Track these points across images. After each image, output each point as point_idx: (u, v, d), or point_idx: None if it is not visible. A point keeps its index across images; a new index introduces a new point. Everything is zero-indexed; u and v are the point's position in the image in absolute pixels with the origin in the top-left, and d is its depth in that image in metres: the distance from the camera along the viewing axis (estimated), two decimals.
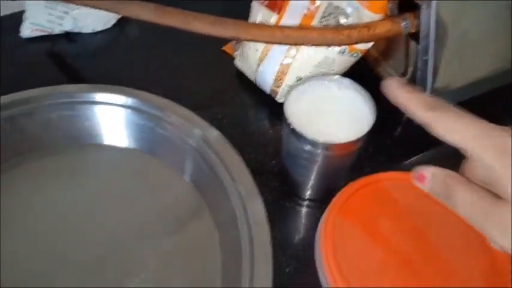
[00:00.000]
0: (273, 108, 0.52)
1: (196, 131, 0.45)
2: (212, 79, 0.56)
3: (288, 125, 0.36)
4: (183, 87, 0.54)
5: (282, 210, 0.44)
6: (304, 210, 0.44)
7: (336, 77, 0.39)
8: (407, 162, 0.48)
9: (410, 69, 0.44)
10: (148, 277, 0.39)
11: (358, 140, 0.35)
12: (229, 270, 0.39)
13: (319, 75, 0.41)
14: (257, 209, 0.39)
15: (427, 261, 0.33)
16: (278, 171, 0.47)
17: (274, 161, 0.48)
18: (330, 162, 0.38)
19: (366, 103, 0.37)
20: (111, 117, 0.48)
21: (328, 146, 0.35)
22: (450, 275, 0.32)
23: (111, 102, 0.47)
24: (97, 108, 0.48)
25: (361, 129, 0.36)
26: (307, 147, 0.36)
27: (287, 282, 0.39)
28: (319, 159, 0.37)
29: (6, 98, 0.47)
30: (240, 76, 0.55)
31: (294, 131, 0.36)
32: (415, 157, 0.48)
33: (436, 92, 0.41)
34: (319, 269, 0.36)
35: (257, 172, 0.45)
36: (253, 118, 0.53)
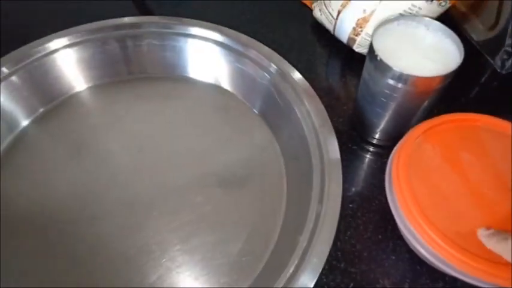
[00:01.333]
0: (347, 59, 0.53)
1: (272, 66, 0.46)
2: (290, 29, 0.57)
3: (375, 57, 0.36)
4: (262, 35, 0.56)
5: (349, 153, 0.45)
6: (371, 154, 0.45)
7: (426, 18, 0.39)
8: None
9: (501, 23, 0.43)
10: (217, 200, 0.42)
11: (442, 77, 0.35)
12: (295, 197, 0.41)
13: (408, 15, 0.41)
14: (331, 144, 0.40)
15: (500, 197, 0.32)
16: (348, 117, 0.47)
17: (345, 107, 0.48)
18: (409, 99, 0.38)
19: (454, 44, 0.37)
20: (200, 51, 0.51)
21: (411, 79, 0.35)
22: None
23: (201, 35, 0.50)
24: (189, 42, 0.51)
25: (447, 68, 0.36)
26: (391, 81, 0.37)
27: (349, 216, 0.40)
28: (399, 95, 0.37)
29: (117, 21, 0.51)
30: (318, 27, 0.56)
31: (380, 64, 0.36)
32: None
33: None
34: (390, 196, 0.36)
35: (329, 116, 0.46)
36: (327, 66, 0.54)
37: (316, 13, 0.55)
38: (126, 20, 0.50)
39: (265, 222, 0.40)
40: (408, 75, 0.35)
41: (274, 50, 0.50)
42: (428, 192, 0.33)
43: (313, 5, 0.56)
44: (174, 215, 0.41)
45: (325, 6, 0.52)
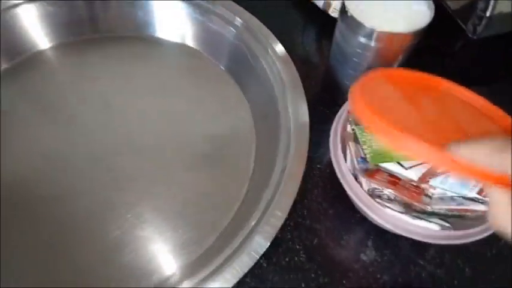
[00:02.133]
0: (323, 25, 0.52)
1: (237, 19, 0.46)
2: None
3: (346, 13, 0.36)
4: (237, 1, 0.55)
5: (320, 115, 0.45)
6: None
7: None
8: None
9: None
10: (187, 159, 0.41)
11: (412, 34, 0.35)
12: (263, 154, 0.41)
13: None
14: (301, 106, 0.40)
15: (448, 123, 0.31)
16: (321, 80, 0.47)
17: (318, 70, 0.48)
18: (380, 59, 0.38)
19: (425, 4, 0.37)
20: (165, 8, 0.49)
21: (382, 36, 0.35)
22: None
23: None
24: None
25: (417, 26, 0.35)
26: (362, 39, 0.36)
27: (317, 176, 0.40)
28: (371, 54, 0.37)
29: None
30: None
31: (351, 21, 0.36)
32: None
33: (497, 12, 0.40)
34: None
35: (301, 79, 0.46)
36: (302, 31, 0.53)
37: None
38: None
39: (234, 179, 0.40)
40: (379, 32, 0.35)
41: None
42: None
43: None
44: (142, 174, 0.40)
45: None
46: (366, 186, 0.34)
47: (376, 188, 0.33)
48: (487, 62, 0.49)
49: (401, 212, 0.32)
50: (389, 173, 0.34)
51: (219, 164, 0.41)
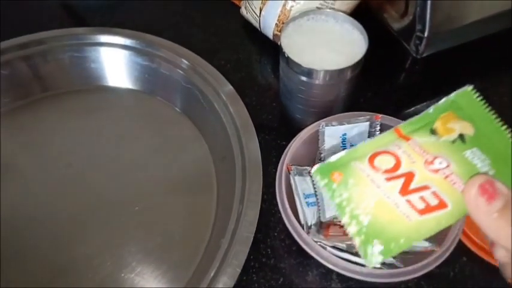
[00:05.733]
0: (276, 55, 0.52)
1: (184, 61, 0.46)
2: (219, 27, 0.57)
3: (284, 54, 0.37)
4: (193, 35, 0.56)
5: (279, 150, 0.45)
6: None
7: (334, 11, 0.39)
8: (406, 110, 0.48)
9: (411, 10, 0.44)
10: (150, 207, 0.42)
11: (350, 67, 0.36)
12: (222, 200, 0.41)
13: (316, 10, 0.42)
14: (253, 144, 0.40)
15: None
16: (278, 113, 0.48)
17: (274, 103, 0.49)
18: (324, 93, 0.39)
19: (361, 35, 0.38)
20: (112, 58, 0.50)
21: (321, 74, 0.36)
22: None
23: (111, 43, 0.49)
24: (102, 50, 0.50)
25: (354, 58, 0.36)
26: (302, 78, 0.37)
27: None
28: (314, 90, 0.38)
29: (22, 39, 0.49)
30: (246, 25, 0.56)
31: (289, 61, 0.37)
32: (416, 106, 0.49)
33: (434, 32, 0.41)
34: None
35: (257, 114, 0.46)
36: (257, 63, 0.54)
37: (243, 11, 0.55)
38: (30, 37, 0.49)
39: (197, 227, 0.40)
40: (317, 70, 0.36)
41: (203, 49, 0.50)
42: None
43: (240, 3, 0.56)
44: (107, 226, 0.40)
45: (249, 5, 0.52)
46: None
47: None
48: (433, 77, 0.50)
49: (345, 250, 0.32)
50: (341, 225, 0.34)
51: (183, 212, 0.41)
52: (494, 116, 0.23)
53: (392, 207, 0.21)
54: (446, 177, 0.21)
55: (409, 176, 0.22)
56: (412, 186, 0.22)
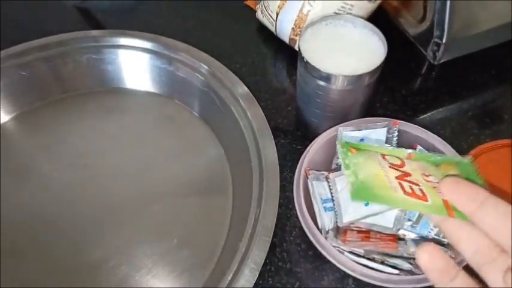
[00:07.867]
0: (292, 59, 0.53)
1: (202, 65, 0.47)
2: (234, 31, 0.58)
3: (302, 59, 0.37)
4: (208, 38, 0.56)
5: (294, 153, 0.45)
6: None
7: (352, 16, 0.39)
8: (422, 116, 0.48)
9: (429, 16, 0.44)
10: (166, 210, 0.42)
11: (368, 73, 0.36)
12: (238, 204, 0.41)
13: (335, 15, 0.42)
14: (270, 148, 0.41)
15: None
16: (293, 117, 0.48)
17: (290, 107, 0.49)
18: (342, 98, 0.39)
19: (380, 40, 0.38)
20: (131, 60, 0.50)
21: (339, 79, 0.36)
22: None
23: (130, 45, 0.50)
24: (120, 52, 0.50)
25: (373, 64, 0.36)
26: (320, 82, 0.37)
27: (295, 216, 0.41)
28: (331, 94, 0.38)
29: (41, 41, 0.50)
30: (262, 29, 0.56)
31: (308, 66, 0.37)
32: (432, 111, 0.49)
33: (452, 38, 0.41)
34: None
35: (272, 117, 0.47)
36: (272, 67, 0.54)
37: (259, 15, 0.55)
38: (50, 39, 0.49)
39: (212, 229, 0.40)
40: (336, 75, 0.36)
41: (219, 53, 0.51)
42: None
43: (256, 7, 0.57)
44: (123, 228, 0.41)
45: (265, 8, 0.52)
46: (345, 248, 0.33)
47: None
48: (450, 83, 0.50)
49: (362, 256, 0.32)
50: (358, 230, 0.35)
51: (198, 215, 0.41)
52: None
53: (386, 181, 0.26)
54: (434, 187, 0.25)
55: (407, 174, 0.27)
56: (407, 179, 0.26)
